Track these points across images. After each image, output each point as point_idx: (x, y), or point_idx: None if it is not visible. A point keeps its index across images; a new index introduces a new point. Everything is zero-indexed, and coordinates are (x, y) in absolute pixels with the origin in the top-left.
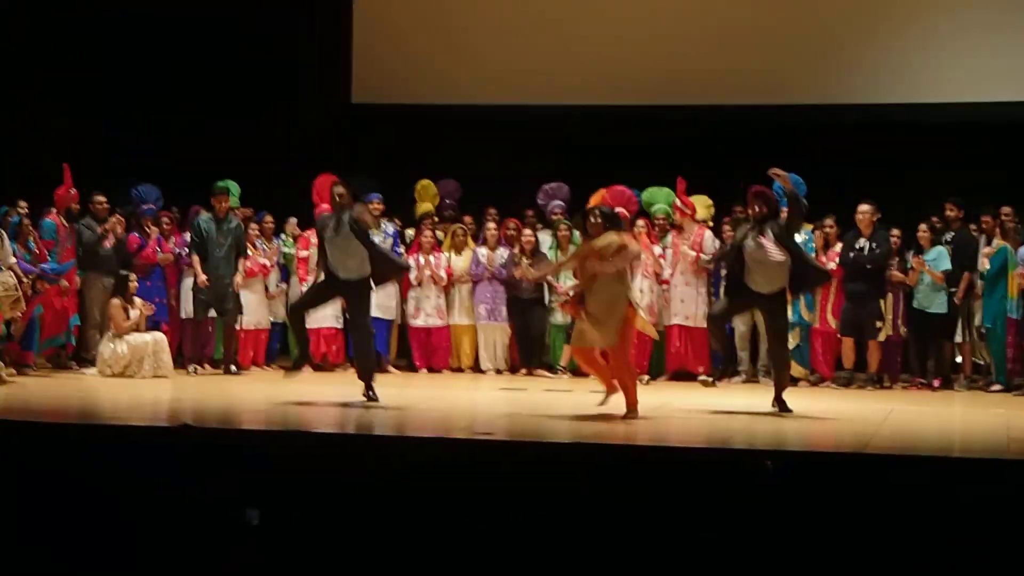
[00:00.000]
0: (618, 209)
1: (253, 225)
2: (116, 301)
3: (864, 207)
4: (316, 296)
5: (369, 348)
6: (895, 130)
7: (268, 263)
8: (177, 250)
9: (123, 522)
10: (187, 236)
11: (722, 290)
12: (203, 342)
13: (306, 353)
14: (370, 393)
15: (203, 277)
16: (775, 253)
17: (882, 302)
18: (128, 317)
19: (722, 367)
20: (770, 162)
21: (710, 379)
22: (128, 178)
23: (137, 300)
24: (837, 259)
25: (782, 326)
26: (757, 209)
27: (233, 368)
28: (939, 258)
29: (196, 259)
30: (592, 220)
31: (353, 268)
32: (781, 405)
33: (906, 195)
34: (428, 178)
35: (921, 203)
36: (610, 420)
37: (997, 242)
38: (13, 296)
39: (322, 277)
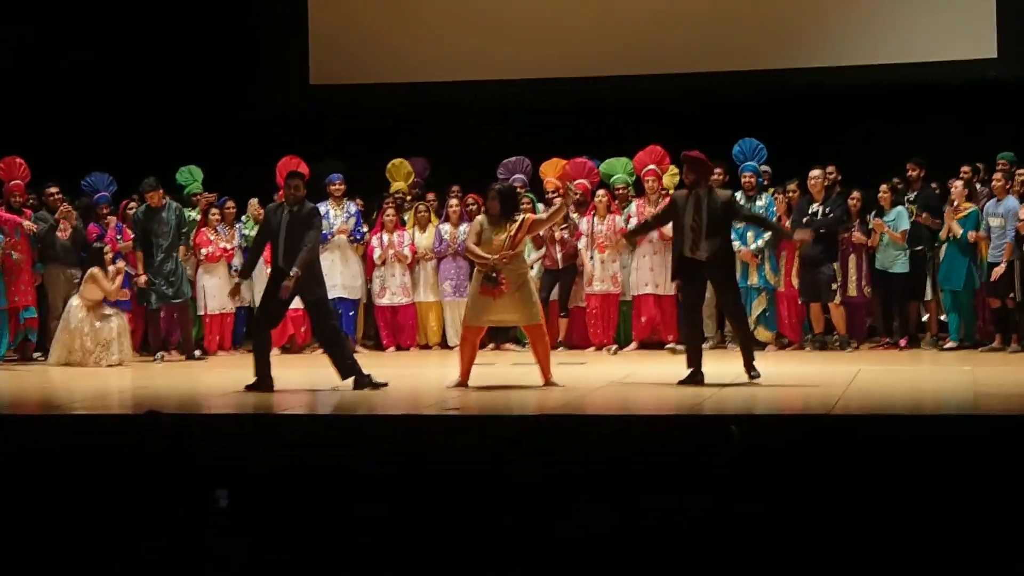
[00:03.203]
0: (579, 181)
1: (214, 210)
2: (95, 270)
3: (815, 172)
4: (273, 307)
5: (339, 334)
6: (856, 92)
7: (229, 246)
8: None
9: (91, 510)
10: None
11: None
12: (168, 329)
13: (267, 377)
14: (369, 379)
15: (143, 278)
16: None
17: (836, 265)
18: (110, 281)
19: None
20: (734, 127)
21: (679, 347)
22: (85, 168)
23: (119, 263)
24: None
25: (731, 291)
26: (692, 176)
27: (196, 353)
28: (898, 218)
29: (139, 255)
30: (490, 198)
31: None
32: (751, 372)
33: (867, 157)
34: (391, 156)
35: (883, 164)
36: (578, 392)
37: (964, 205)
38: None
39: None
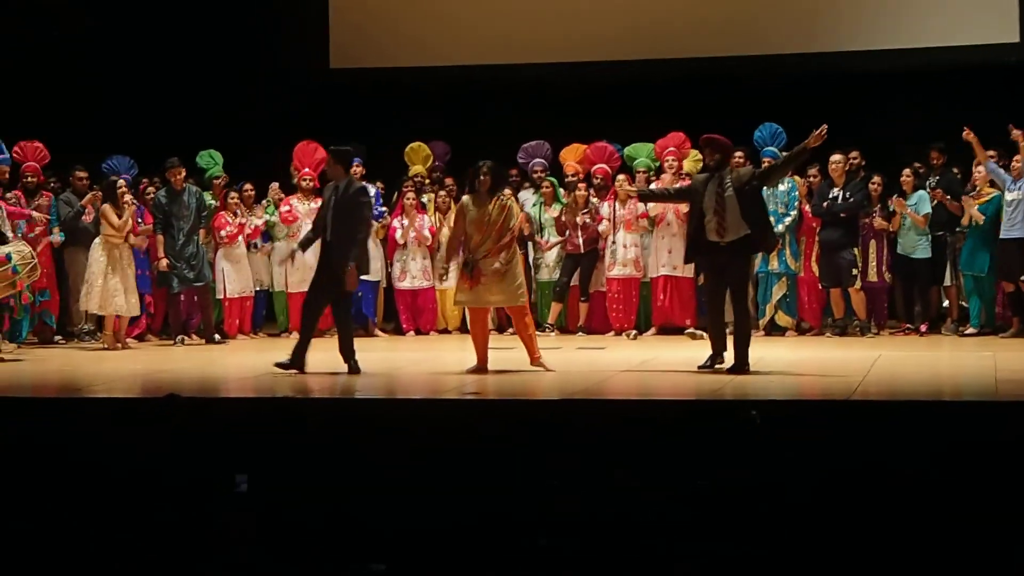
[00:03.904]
0: (599, 168)
1: (233, 194)
2: (106, 206)
3: (836, 156)
4: (322, 287)
5: (348, 321)
6: (878, 77)
7: (244, 222)
8: None
9: (112, 495)
10: None
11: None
12: (188, 313)
13: (303, 355)
14: (352, 363)
15: (164, 261)
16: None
17: (856, 250)
18: (120, 217)
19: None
20: (754, 112)
21: (698, 332)
22: (105, 150)
23: (128, 198)
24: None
25: (740, 279)
26: (716, 155)
27: (216, 337)
28: (920, 202)
29: (160, 239)
30: (481, 176)
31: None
32: (740, 366)
33: (889, 141)
34: (411, 140)
35: (904, 148)
36: (599, 376)
37: (986, 190)
38: (30, 264)
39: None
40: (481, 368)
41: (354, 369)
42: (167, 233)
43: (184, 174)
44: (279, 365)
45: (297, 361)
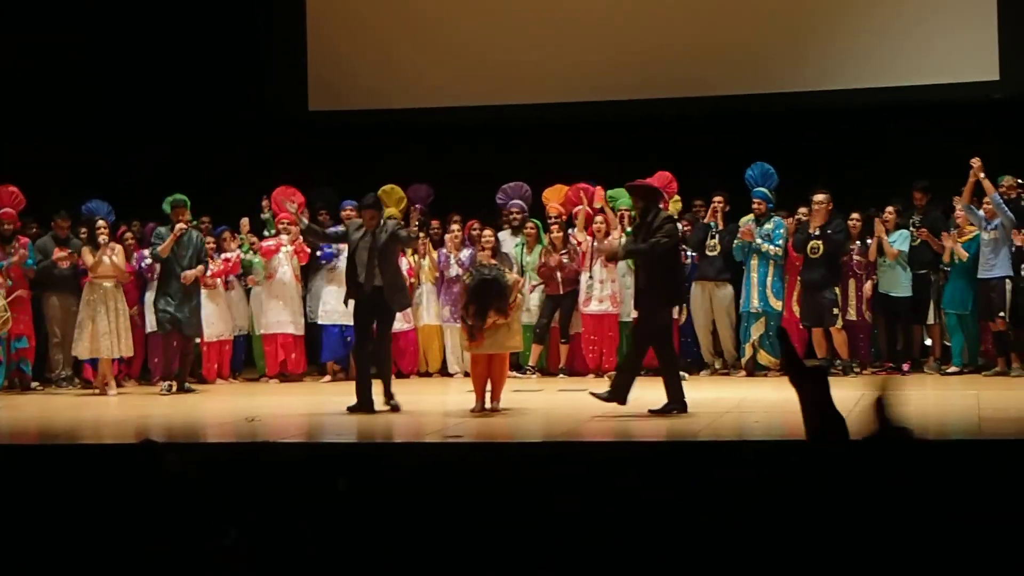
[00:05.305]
0: (578, 208)
1: (210, 239)
2: (84, 248)
3: (820, 196)
4: (361, 326)
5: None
6: (861, 114)
7: (230, 256)
8: (143, 264)
9: (96, 546)
10: (146, 252)
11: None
12: (171, 357)
13: (368, 398)
14: (391, 401)
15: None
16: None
17: (837, 289)
18: (94, 257)
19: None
20: (736, 152)
21: (682, 373)
22: (80, 195)
23: (118, 248)
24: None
25: (643, 327)
26: (640, 204)
27: (187, 386)
28: (899, 239)
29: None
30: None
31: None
32: (667, 407)
33: (872, 178)
34: (389, 182)
35: (887, 186)
36: (580, 419)
37: (968, 228)
38: (2, 317)
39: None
40: (482, 408)
41: (395, 407)
42: (164, 273)
43: (189, 216)
44: (351, 409)
45: (366, 402)
